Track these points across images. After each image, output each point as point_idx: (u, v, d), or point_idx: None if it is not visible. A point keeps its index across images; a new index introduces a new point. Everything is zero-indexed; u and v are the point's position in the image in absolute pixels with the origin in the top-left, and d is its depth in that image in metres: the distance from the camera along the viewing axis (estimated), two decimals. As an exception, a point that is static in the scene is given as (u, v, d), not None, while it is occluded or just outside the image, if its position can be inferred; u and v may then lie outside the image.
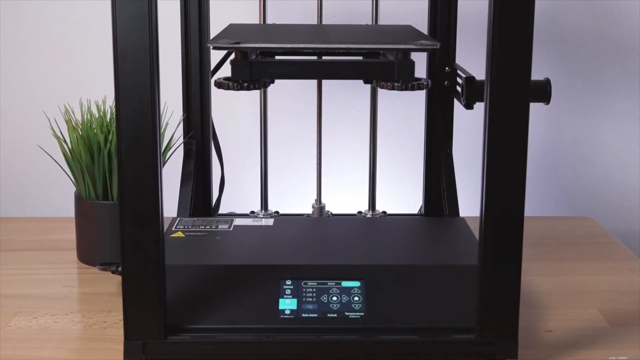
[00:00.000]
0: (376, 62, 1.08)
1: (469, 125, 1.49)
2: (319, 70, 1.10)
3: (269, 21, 1.37)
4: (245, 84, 1.03)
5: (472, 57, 1.39)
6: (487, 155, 0.92)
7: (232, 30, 1.16)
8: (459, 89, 1.24)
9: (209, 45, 0.99)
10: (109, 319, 1.13)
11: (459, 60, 1.34)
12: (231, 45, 1.00)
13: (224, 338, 0.99)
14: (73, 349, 1.05)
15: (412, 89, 1.04)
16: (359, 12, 1.62)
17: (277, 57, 1.11)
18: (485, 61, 0.91)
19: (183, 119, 1.37)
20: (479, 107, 1.00)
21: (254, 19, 1.39)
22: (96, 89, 1.35)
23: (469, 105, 1.19)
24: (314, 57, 1.19)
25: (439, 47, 1.03)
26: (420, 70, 1.12)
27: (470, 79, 1.19)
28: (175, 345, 0.98)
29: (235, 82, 1.03)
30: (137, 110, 0.91)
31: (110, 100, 1.26)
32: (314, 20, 1.37)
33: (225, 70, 1.07)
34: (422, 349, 1.00)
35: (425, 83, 1.05)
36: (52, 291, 1.22)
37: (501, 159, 0.92)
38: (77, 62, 1.64)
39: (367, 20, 1.38)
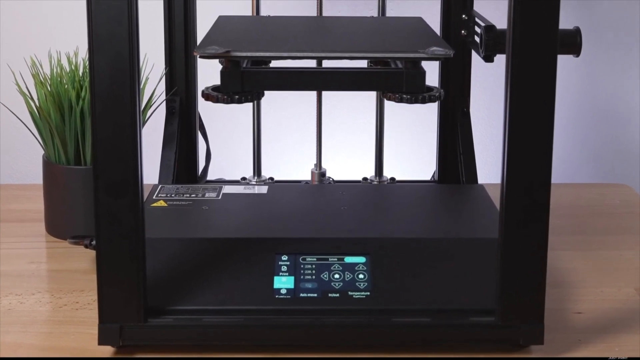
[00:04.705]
0: (382, 71, 1.09)
1: (488, 80, 1.49)
2: (319, 81, 1.11)
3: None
4: (237, 96, 1.04)
5: (492, 3, 1.38)
6: (509, 114, 0.92)
7: (222, 29, 1.17)
8: (477, 39, 1.24)
9: (195, 54, 1.00)
10: (82, 300, 1.13)
11: (477, 6, 1.33)
12: (221, 54, 1.00)
13: (212, 321, 0.99)
14: (41, 333, 1.06)
15: (423, 101, 1.04)
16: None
17: (271, 62, 1.11)
18: (507, 7, 0.90)
19: (165, 73, 1.36)
20: (500, 60, 0.99)
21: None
22: (67, 39, 1.34)
23: (488, 58, 1.19)
24: (313, 60, 1.20)
25: (452, 55, 1.02)
26: (432, 77, 1.12)
27: (489, 28, 1.18)
28: (156, 328, 0.99)
29: (225, 94, 1.03)
30: (113, 63, 0.90)
31: (83, 52, 1.25)
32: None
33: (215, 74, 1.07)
34: (436, 334, 1.00)
35: (438, 94, 1.05)
36: (17, 268, 1.23)
37: (525, 119, 0.92)
38: (45, 9, 1.63)
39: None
